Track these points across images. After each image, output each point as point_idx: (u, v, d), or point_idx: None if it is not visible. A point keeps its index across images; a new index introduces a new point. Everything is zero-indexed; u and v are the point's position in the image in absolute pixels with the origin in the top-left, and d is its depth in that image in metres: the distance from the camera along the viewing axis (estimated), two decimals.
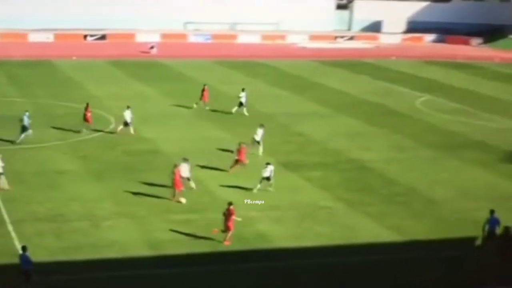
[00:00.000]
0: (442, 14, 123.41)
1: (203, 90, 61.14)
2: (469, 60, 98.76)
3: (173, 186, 38.05)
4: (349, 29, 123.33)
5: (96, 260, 30.85)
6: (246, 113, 58.96)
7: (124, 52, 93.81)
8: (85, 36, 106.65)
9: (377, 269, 31.40)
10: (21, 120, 48.39)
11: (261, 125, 48.06)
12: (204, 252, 32.05)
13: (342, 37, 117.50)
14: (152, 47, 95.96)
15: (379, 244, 34.16)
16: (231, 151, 45.35)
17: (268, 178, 39.95)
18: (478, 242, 33.86)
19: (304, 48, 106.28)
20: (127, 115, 51.15)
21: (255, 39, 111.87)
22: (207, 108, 60.57)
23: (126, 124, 51.25)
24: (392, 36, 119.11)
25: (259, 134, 47.37)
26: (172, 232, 34.03)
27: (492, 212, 33.49)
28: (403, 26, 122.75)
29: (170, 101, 63.55)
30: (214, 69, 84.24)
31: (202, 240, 33.19)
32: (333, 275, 30.63)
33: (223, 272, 30.36)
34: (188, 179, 39.30)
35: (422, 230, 35.90)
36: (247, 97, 59.64)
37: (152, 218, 35.69)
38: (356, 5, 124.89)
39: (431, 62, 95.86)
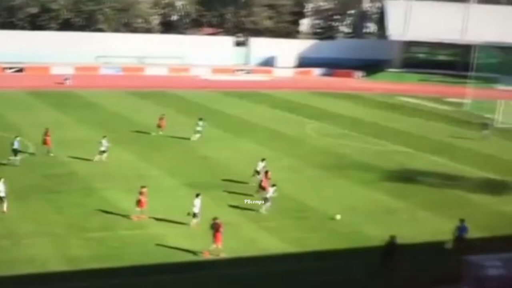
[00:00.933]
0: (329, 50, 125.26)
1: (160, 119, 61.68)
2: (353, 91, 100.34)
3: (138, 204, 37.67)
4: (246, 64, 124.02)
5: (17, 276, 30.04)
6: (196, 139, 59.24)
7: (41, 83, 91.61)
8: (4, 69, 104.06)
9: (277, 278, 31.61)
10: (12, 144, 48.42)
11: (263, 159, 47.63)
12: (116, 267, 31.72)
13: (240, 70, 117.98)
14: (66, 79, 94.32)
15: (278, 255, 34.41)
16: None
17: (266, 199, 40.76)
18: (449, 245, 35.34)
19: (207, 80, 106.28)
20: (104, 144, 50.54)
21: (162, 72, 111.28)
22: (161, 133, 60.91)
23: (102, 152, 50.54)
24: (285, 70, 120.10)
25: (260, 165, 46.82)
26: (88, 249, 33.52)
27: (462, 220, 35.84)
28: (294, 61, 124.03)
29: (85, 128, 62.59)
30: (125, 98, 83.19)
31: (114, 255, 32.83)
32: (238, 284, 30.66)
33: (134, 284, 30.11)
34: (195, 215, 37.41)
35: (317, 242, 36.35)
36: (203, 126, 60.13)
37: (69, 236, 35.04)
38: (252, 43, 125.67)
39: (319, 93, 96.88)
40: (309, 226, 38.75)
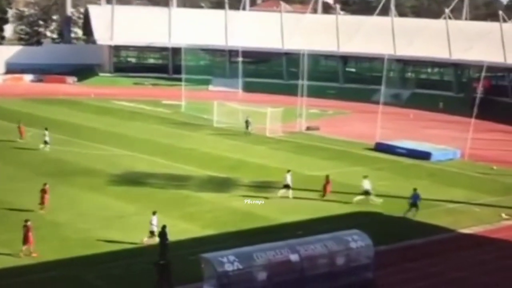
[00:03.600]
0: (38, 56, 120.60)
1: (19, 127, 63.55)
2: (68, 96, 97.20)
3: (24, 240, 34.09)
4: None
5: None
6: (48, 150, 59.40)
7: None
8: None
9: None
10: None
11: (288, 170, 47.59)
12: None
13: None
14: None
15: (12, 268, 32.63)
16: None
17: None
18: (406, 212, 42.51)
19: None
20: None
21: None
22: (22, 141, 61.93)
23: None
24: None
25: (288, 178, 46.56)
26: None
27: (415, 189, 43.03)
28: (2, 68, 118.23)
29: None
30: None
31: None
32: None
33: None
34: (153, 233, 36.28)
35: (50, 252, 34.75)
36: (51, 136, 60.31)
37: None
38: None
39: (33, 99, 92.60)
40: (41, 236, 36.61)
